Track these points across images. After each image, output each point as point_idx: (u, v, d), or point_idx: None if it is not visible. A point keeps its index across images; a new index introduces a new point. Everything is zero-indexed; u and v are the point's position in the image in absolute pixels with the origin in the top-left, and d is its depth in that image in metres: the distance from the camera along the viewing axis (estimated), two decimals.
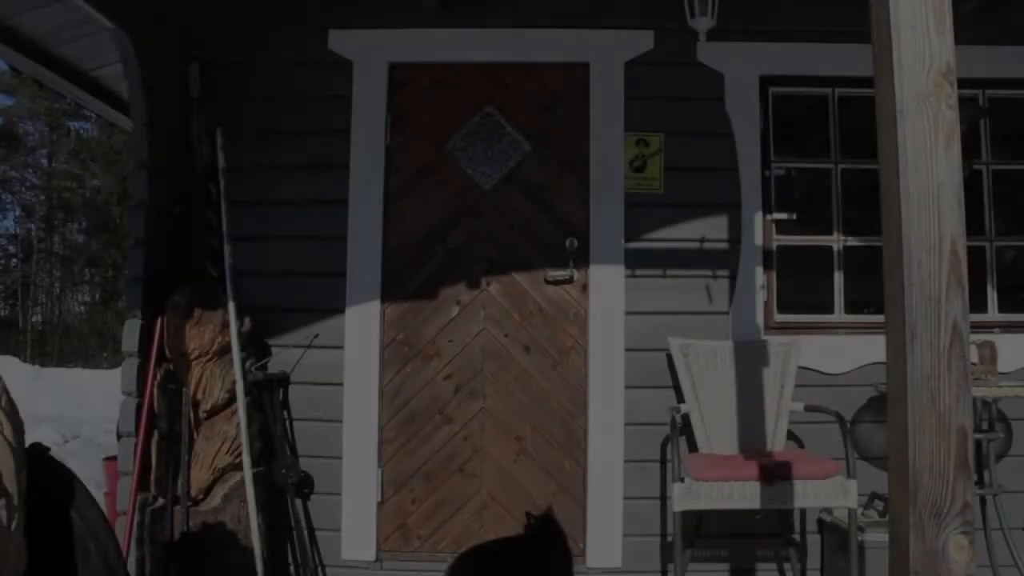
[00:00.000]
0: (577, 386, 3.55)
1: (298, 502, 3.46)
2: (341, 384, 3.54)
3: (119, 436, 3.32)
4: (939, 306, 1.36)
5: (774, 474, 2.87)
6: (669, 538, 3.37)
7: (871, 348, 3.41)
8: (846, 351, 3.51)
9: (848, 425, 3.16)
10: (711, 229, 3.57)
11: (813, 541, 3.42)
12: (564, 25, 3.62)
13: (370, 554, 3.48)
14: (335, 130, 3.62)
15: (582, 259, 3.56)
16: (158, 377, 3.23)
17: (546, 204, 3.62)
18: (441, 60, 3.68)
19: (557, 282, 3.57)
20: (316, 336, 3.55)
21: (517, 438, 3.55)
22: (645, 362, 3.50)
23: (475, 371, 3.57)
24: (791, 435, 3.41)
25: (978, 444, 3.27)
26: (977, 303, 3.60)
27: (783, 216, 3.66)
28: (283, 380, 3.53)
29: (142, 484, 3.20)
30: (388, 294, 3.59)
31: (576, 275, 3.55)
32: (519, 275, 3.60)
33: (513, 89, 3.67)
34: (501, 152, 3.64)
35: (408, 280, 3.61)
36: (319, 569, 3.49)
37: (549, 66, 3.66)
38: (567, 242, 3.55)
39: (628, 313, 3.52)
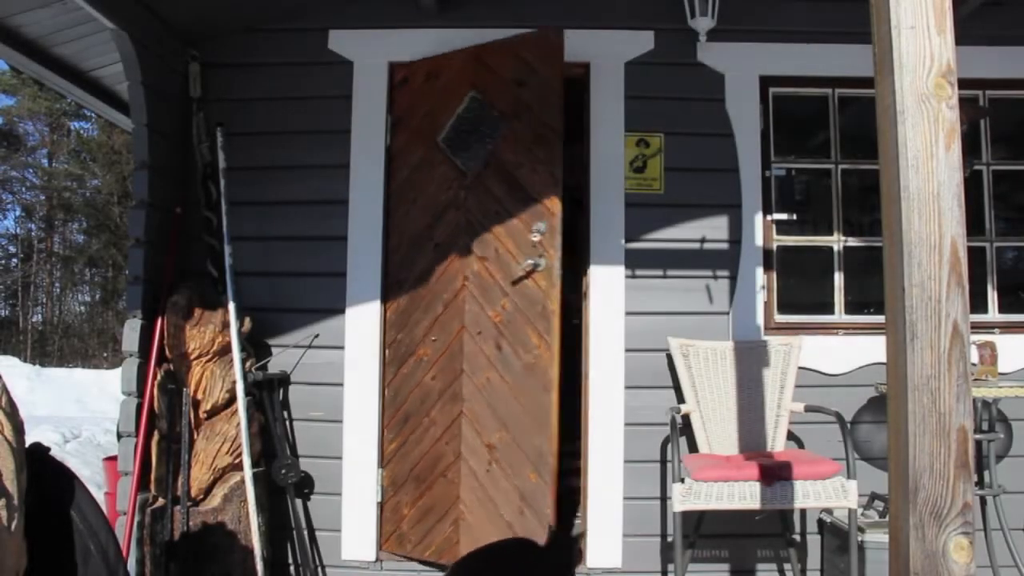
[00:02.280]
0: (547, 383, 3.24)
1: (298, 502, 3.46)
2: (341, 384, 3.54)
3: (119, 436, 3.31)
4: (939, 306, 1.36)
5: (774, 474, 2.87)
6: (669, 538, 3.37)
7: (871, 348, 3.42)
8: (846, 351, 3.51)
9: (848, 425, 3.17)
10: (711, 229, 3.57)
11: (813, 541, 3.42)
12: (564, 25, 3.61)
13: (370, 554, 3.48)
14: (335, 130, 3.62)
15: (550, 244, 3.28)
16: (158, 377, 3.23)
17: (518, 185, 3.37)
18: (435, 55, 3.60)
19: (527, 273, 3.30)
20: (316, 336, 3.56)
21: (488, 445, 3.34)
22: (645, 362, 3.50)
23: (456, 372, 3.41)
24: (791, 435, 3.41)
25: (978, 444, 3.27)
26: (977, 303, 3.60)
27: (783, 216, 3.66)
28: (283, 380, 3.53)
29: (142, 484, 3.20)
30: (388, 294, 3.59)
31: (543, 263, 3.27)
32: (493, 267, 3.40)
33: (494, 68, 3.48)
34: (483, 136, 3.45)
35: (405, 279, 3.59)
36: (319, 569, 3.49)
37: (524, 38, 3.43)
38: (534, 227, 3.27)
39: (628, 313, 3.52)
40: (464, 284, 3.44)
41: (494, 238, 3.41)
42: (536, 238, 3.28)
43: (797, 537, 3.40)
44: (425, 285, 3.53)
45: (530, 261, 3.28)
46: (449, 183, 3.52)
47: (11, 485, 1.19)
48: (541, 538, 3.16)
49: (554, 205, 3.30)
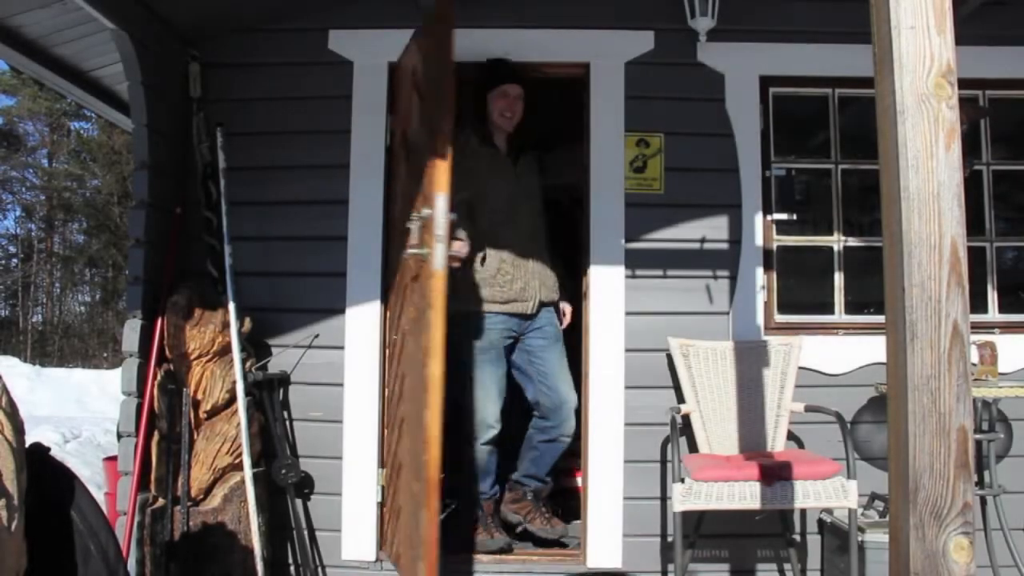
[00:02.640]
0: (425, 381, 2.80)
1: (298, 502, 3.46)
2: (341, 384, 3.54)
3: (119, 436, 3.31)
4: (939, 306, 1.36)
5: (774, 474, 2.87)
6: (669, 538, 3.37)
7: (871, 348, 3.42)
8: (846, 351, 3.51)
9: (848, 425, 3.17)
10: (711, 229, 3.56)
11: (813, 541, 3.42)
12: (565, 25, 3.62)
13: (370, 554, 3.48)
14: (335, 130, 3.61)
15: (430, 231, 2.83)
16: (158, 377, 3.23)
17: (424, 171, 2.97)
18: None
19: (418, 264, 2.96)
20: (316, 336, 3.55)
21: (409, 450, 3.08)
22: (645, 362, 3.50)
23: (403, 373, 3.27)
24: (791, 435, 3.41)
25: (978, 444, 3.27)
26: (977, 303, 3.60)
27: (783, 216, 3.66)
28: (283, 380, 3.53)
29: (142, 484, 3.20)
30: (387, 293, 3.58)
31: (424, 252, 2.86)
32: (412, 260, 3.05)
33: (421, 53, 3.18)
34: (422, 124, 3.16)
35: (401, 278, 3.57)
36: (319, 569, 3.49)
37: (431, 15, 3.06)
38: (414, 214, 2.94)
39: (628, 313, 3.52)
40: (407, 281, 3.27)
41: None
42: (416, 225, 2.95)
43: (797, 537, 3.40)
44: (398, 283, 3.46)
45: (412, 251, 2.95)
46: (405, 177, 3.39)
47: (11, 485, 1.19)
48: (416, 554, 2.77)
49: (436, 189, 2.82)
